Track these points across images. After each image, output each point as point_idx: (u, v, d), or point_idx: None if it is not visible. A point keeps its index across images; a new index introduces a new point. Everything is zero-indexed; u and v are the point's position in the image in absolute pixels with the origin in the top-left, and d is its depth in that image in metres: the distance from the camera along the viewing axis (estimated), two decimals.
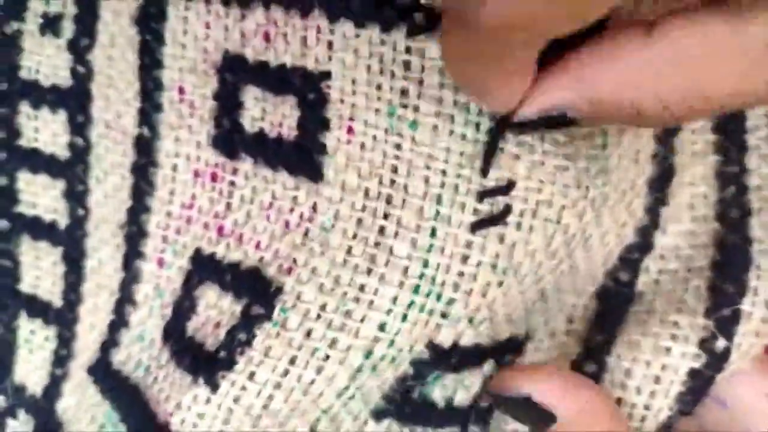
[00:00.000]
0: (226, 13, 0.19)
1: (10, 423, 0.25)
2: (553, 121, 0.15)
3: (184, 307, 0.21)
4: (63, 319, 0.24)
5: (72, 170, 0.23)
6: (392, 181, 0.18)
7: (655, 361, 0.18)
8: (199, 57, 0.20)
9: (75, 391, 0.24)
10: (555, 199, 0.17)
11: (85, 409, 0.23)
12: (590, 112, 0.15)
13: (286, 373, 0.18)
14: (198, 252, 0.21)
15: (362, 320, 0.18)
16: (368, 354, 0.18)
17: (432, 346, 0.18)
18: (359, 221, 0.18)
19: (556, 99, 0.15)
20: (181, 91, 0.21)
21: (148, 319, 0.22)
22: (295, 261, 0.19)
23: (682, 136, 0.19)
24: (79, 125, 0.22)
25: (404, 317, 0.18)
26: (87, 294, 0.23)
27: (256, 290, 0.19)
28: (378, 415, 0.20)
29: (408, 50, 0.17)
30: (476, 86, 0.16)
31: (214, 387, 0.19)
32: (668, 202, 0.19)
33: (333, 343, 0.18)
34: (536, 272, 0.18)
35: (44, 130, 0.23)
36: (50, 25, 0.22)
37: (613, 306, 0.20)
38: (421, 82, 0.17)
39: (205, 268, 0.21)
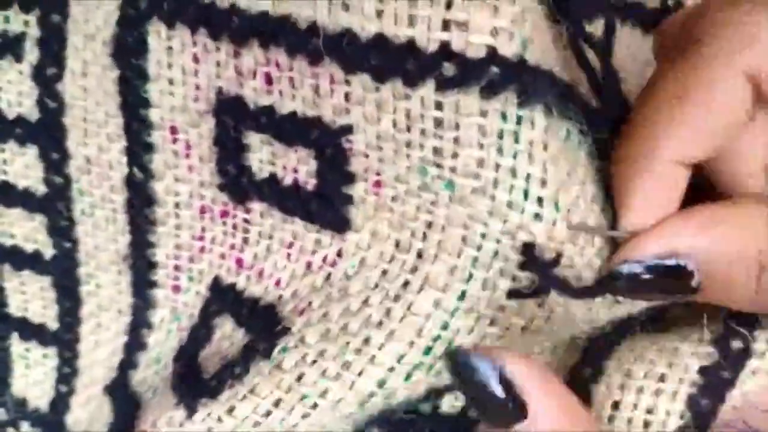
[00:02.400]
0: (216, 47, 0.18)
1: None
2: (665, 278, 0.15)
3: (200, 335, 0.21)
4: (62, 340, 0.23)
5: (52, 206, 0.21)
6: (425, 236, 0.17)
7: (660, 361, 0.17)
8: (190, 93, 0.19)
9: (85, 405, 0.24)
10: (594, 261, 0.16)
11: (100, 425, 0.23)
12: (705, 268, 0.14)
13: (268, 414, 0.18)
14: (217, 281, 0.21)
15: (360, 374, 0.17)
16: (361, 405, 0.17)
17: (434, 407, 0.18)
18: (384, 272, 0.18)
19: (677, 243, 0.14)
20: (173, 131, 0.19)
21: (166, 341, 0.22)
22: (310, 304, 0.18)
23: None
24: (55, 162, 0.21)
25: (408, 377, 0.17)
26: (87, 315, 0.23)
27: (266, 328, 0.19)
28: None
29: (439, 106, 0.15)
30: (621, 188, 0.15)
31: (191, 412, 0.19)
32: None
33: (324, 392, 0.17)
34: (572, 333, 0.18)
35: (13, 162, 0.21)
36: (10, 46, 0.20)
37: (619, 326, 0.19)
38: (456, 140, 0.15)
39: (224, 298, 0.20)
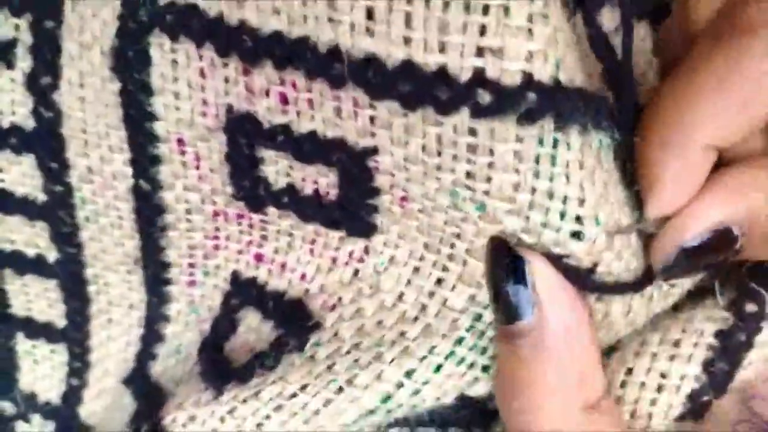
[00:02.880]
0: (223, 63, 0.17)
1: (22, 426, 0.25)
2: (717, 247, 0.15)
3: (223, 326, 0.21)
4: (71, 337, 0.23)
5: (53, 214, 0.21)
6: (453, 245, 0.17)
7: (675, 327, 0.17)
8: (197, 108, 0.18)
9: (98, 398, 0.24)
10: (634, 263, 0.17)
11: (120, 415, 0.24)
12: (745, 229, 0.15)
13: (292, 396, 0.18)
14: (236, 275, 0.21)
15: (391, 362, 0.17)
16: (386, 398, 0.18)
17: (462, 397, 0.18)
18: (416, 269, 0.18)
19: (720, 213, 0.15)
20: (180, 143, 0.19)
21: (185, 332, 0.22)
22: (340, 299, 0.19)
23: None
24: (55, 171, 0.20)
25: (438, 368, 0.17)
26: (96, 313, 0.23)
27: (295, 322, 0.19)
28: None
29: (473, 132, 0.15)
30: (651, 172, 0.15)
31: (217, 394, 0.19)
32: None
33: (352, 378, 0.18)
34: (610, 338, 0.18)
35: (9, 170, 0.20)
36: (1, 53, 0.18)
37: None
38: (491, 165, 0.15)
39: (245, 291, 0.20)
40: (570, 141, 0.15)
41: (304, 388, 0.18)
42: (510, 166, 0.15)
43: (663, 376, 0.17)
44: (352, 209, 0.17)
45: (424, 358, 0.17)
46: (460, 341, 0.17)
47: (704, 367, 0.16)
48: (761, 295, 0.16)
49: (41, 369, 0.24)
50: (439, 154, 0.15)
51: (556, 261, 0.16)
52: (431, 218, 0.17)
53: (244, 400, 0.18)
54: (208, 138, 0.18)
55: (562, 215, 0.15)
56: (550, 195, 0.15)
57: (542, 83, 0.14)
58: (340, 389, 0.18)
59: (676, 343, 0.17)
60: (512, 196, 0.15)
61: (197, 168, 0.19)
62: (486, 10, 0.13)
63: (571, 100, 0.14)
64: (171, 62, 0.17)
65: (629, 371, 0.17)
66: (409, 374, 0.17)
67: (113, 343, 0.23)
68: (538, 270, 0.16)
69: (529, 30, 0.14)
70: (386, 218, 0.17)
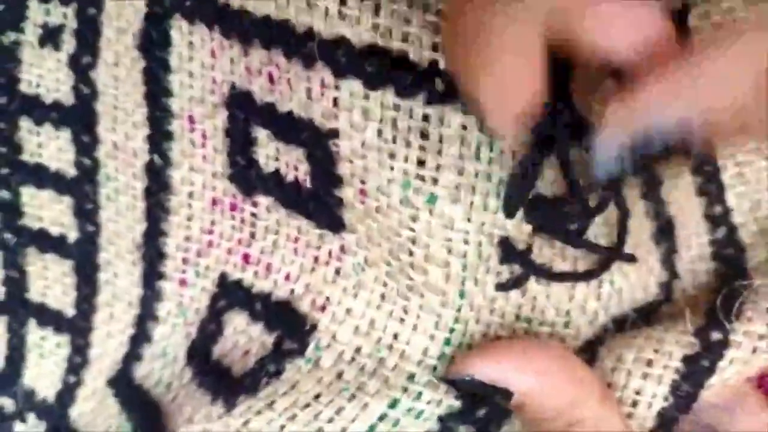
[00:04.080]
0: (229, 45, 0.19)
1: (19, 426, 0.25)
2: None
3: (209, 329, 0.22)
4: (76, 327, 0.24)
5: (80, 188, 0.23)
6: (411, 252, 0.18)
7: (647, 348, 0.18)
8: (207, 86, 0.20)
9: (90, 398, 0.24)
10: (567, 251, 0.18)
11: (103, 418, 0.24)
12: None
13: (306, 406, 0.18)
14: (224, 277, 0.21)
15: (393, 369, 0.18)
16: (394, 404, 0.18)
17: (462, 395, 0.18)
18: (388, 273, 0.19)
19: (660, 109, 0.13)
20: (191, 120, 0.20)
21: (171, 335, 0.22)
22: (328, 299, 0.19)
23: (665, 186, 0.20)
24: (86, 145, 0.22)
25: (434, 369, 0.18)
26: (102, 304, 0.24)
27: (289, 324, 0.20)
28: None
29: (426, 118, 0.16)
30: (483, 84, 0.14)
31: (230, 407, 0.19)
32: (678, 250, 0.20)
33: (362, 386, 0.18)
34: (566, 322, 0.19)
35: (48, 145, 0.23)
36: (50, 36, 0.21)
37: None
38: (440, 153, 0.17)
39: (232, 293, 0.21)
40: None
41: (317, 397, 0.18)
42: (456, 151, 0.17)
43: (637, 392, 0.18)
44: (322, 198, 0.19)
45: (420, 363, 0.18)
46: (447, 342, 0.18)
47: (672, 389, 0.18)
48: (726, 326, 0.18)
49: (46, 364, 0.25)
50: (394, 140, 0.17)
51: (501, 245, 0.17)
52: (387, 219, 0.18)
53: (258, 412, 0.19)
54: (214, 114, 0.20)
55: (498, 195, 0.17)
56: (488, 177, 0.17)
57: None
58: (353, 396, 0.18)
59: (649, 363, 0.18)
60: (458, 182, 0.17)
61: (203, 146, 0.21)
62: (438, 12, 0.16)
63: None
64: (188, 44, 0.20)
65: (609, 386, 0.18)
66: (411, 378, 0.18)
67: (111, 341, 0.24)
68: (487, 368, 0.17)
69: None
70: (352, 215, 0.18)
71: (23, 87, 0.22)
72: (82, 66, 0.21)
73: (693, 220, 0.20)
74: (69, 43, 0.21)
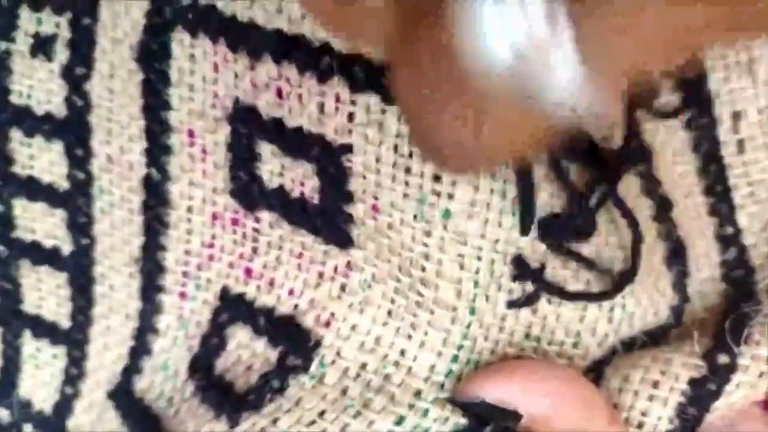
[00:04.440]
0: (234, 59, 0.18)
1: None
2: None
3: (212, 343, 0.21)
4: (72, 339, 0.24)
5: (73, 201, 0.22)
6: (423, 268, 0.18)
7: (654, 369, 0.18)
8: (208, 100, 0.19)
9: (89, 410, 0.24)
10: (581, 273, 0.18)
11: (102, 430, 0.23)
12: None
13: (311, 423, 0.18)
14: (225, 290, 0.21)
15: (399, 385, 0.18)
16: (399, 421, 0.18)
17: (469, 413, 0.18)
18: (396, 289, 0.18)
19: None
20: (191, 134, 0.20)
21: (172, 348, 0.22)
22: (333, 315, 0.19)
23: (678, 207, 0.20)
24: (79, 158, 0.22)
25: (441, 386, 0.18)
26: (98, 316, 0.23)
27: (293, 340, 0.20)
28: None
29: None
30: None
31: (233, 424, 0.19)
32: (690, 273, 0.20)
33: (368, 402, 0.18)
34: (575, 343, 0.19)
35: (39, 158, 0.22)
36: (42, 47, 0.21)
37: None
38: None
39: (234, 308, 0.21)
40: None
41: (322, 414, 0.18)
42: None
43: (643, 414, 0.18)
44: (331, 215, 0.18)
45: (427, 379, 0.18)
46: (454, 359, 0.18)
47: (677, 412, 0.18)
48: (733, 350, 0.18)
49: (41, 375, 0.24)
50: (410, 155, 0.17)
51: (515, 262, 0.18)
52: (399, 235, 0.17)
53: (262, 429, 0.19)
54: (216, 129, 0.20)
55: (513, 213, 0.17)
56: (503, 194, 0.17)
57: None
58: (358, 413, 0.18)
59: (655, 384, 0.18)
60: (473, 198, 0.17)
61: (203, 161, 0.20)
62: None
63: None
64: (189, 56, 0.19)
65: (615, 406, 0.18)
66: (417, 394, 0.18)
67: (108, 353, 0.23)
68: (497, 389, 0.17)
69: None
70: (361, 231, 0.18)
71: (14, 98, 0.21)
72: (75, 77, 0.21)
73: (704, 242, 0.20)
74: (62, 54, 0.21)
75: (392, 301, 0.18)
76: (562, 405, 0.17)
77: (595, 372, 0.19)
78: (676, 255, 0.20)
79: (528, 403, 0.17)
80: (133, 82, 0.20)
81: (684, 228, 0.20)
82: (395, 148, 0.17)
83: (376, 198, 0.17)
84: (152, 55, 0.19)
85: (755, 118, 0.19)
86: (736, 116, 0.19)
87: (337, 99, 0.17)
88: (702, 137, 0.20)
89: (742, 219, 0.20)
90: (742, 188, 0.19)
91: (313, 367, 0.19)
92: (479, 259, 0.17)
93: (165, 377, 0.22)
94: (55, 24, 0.20)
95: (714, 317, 0.20)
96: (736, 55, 0.19)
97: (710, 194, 0.20)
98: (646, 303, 0.19)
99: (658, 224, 0.19)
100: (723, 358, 0.18)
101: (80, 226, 0.22)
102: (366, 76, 0.16)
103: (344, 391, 0.18)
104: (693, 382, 0.18)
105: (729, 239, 0.20)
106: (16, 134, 0.22)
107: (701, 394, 0.18)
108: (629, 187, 0.20)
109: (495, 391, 0.17)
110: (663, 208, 0.19)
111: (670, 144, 0.20)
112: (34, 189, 0.22)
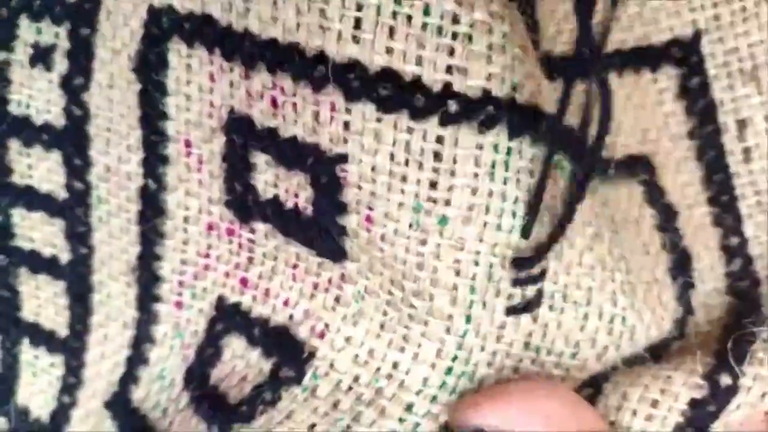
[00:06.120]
0: (230, 68, 0.19)
1: None
2: None
3: (207, 353, 0.22)
4: (70, 347, 0.24)
5: (71, 211, 0.22)
6: (416, 279, 0.17)
7: (654, 387, 0.18)
8: (204, 110, 0.20)
9: (85, 420, 0.24)
10: (582, 281, 0.18)
11: None
12: None
13: None
14: (221, 300, 0.21)
15: (391, 399, 0.18)
16: None
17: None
18: (389, 302, 0.18)
19: None
20: (188, 144, 0.20)
21: (169, 357, 0.22)
22: (327, 326, 0.19)
23: (682, 217, 0.20)
24: (78, 168, 0.22)
25: (433, 398, 0.18)
26: (95, 325, 0.24)
27: (287, 351, 0.20)
28: None
29: (439, 140, 0.16)
30: None
31: None
32: (695, 285, 0.19)
33: (357, 416, 0.18)
34: (574, 353, 0.18)
35: (38, 167, 0.22)
36: (41, 57, 0.21)
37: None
38: (453, 173, 0.16)
39: (230, 317, 0.21)
40: (522, 150, 0.16)
41: (312, 427, 0.18)
42: (469, 171, 0.16)
43: None
44: (324, 225, 0.18)
45: (419, 392, 0.18)
46: (449, 371, 0.18)
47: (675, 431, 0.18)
48: (736, 371, 0.17)
49: (39, 383, 0.25)
50: (407, 163, 0.17)
51: (515, 266, 0.17)
52: (393, 247, 0.17)
53: None
54: (211, 139, 0.20)
55: (514, 214, 0.17)
56: (504, 197, 0.17)
57: (499, 98, 0.16)
58: (348, 427, 0.18)
59: (654, 404, 0.18)
60: (471, 202, 0.17)
61: (199, 171, 0.20)
62: (455, 35, 0.16)
63: (524, 115, 0.16)
64: (186, 66, 0.19)
65: (612, 423, 0.18)
66: (409, 408, 0.18)
67: (105, 362, 0.24)
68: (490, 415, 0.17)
69: (489, 57, 0.16)
70: (354, 244, 0.18)
71: (12, 108, 0.22)
72: (74, 87, 0.21)
73: (708, 253, 0.19)
74: (61, 64, 0.21)
75: (384, 314, 0.18)
76: (560, 428, 0.17)
77: (593, 387, 0.19)
78: (681, 266, 0.19)
79: (526, 426, 0.17)
80: (131, 92, 0.20)
81: (689, 238, 0.19)
82: (391, 156, 0.17)
83: (370, 208, 0.17)
84: (150, 65, 0.20)
85: (762, 126, 0.19)
86: (742, 124, 0.19)
87: (332, 108, 0.17)
88: (707, 145, 0.19)
89: (749, 229, 0.19)
90: (749, 197, 0.19)
91: (306, 379, 0.19)
92: (476, 264, 0.17)
93: (161, 387, 0.22)
94: (55, 34, 0.21)
95: (718, 330, 0.20)
96: (740, 63, 0.18)
97: (715, 204, 0.19)
98: (648, 317, 0.19)
99: (662, 234, 0.19)
100: (725, 379, 0.17)
101: (78, 235, 0.23)
102: (361, 84, 0.16)
103: (335, 405, 0.19)
104: (693, 403, 0.17)
105: (734, 250, 0.20)
106: (14, 144, 0.22)
107: (701, 415, 0.17)
108: (632, 195, 0.19)
109: (492, 416, 0.17)
110: (667, 217, 0.19)
111: (674, 152, 0.19)
112: (33, 198, 0.22)
